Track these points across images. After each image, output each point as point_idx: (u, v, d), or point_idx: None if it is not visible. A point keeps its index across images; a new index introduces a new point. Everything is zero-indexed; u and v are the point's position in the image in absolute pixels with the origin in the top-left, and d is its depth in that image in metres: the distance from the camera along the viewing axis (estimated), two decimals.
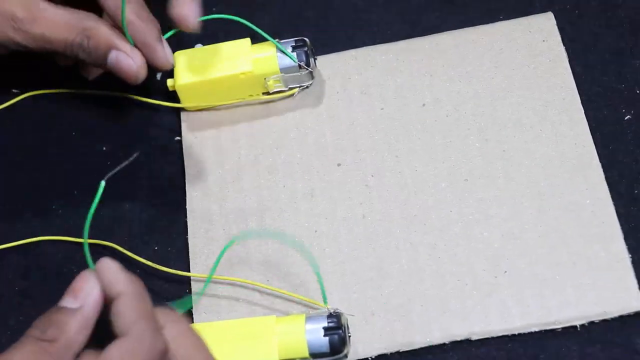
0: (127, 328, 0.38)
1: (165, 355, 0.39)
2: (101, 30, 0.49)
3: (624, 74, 0.52)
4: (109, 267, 0.40)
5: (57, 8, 0.49)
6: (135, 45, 0.49)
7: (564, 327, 0.46)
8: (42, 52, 0.50)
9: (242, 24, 0.52)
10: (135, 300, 0.39)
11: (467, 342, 0.47)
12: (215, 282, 0.50)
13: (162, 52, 0.50)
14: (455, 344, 0.47)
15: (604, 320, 0.46)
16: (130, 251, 0.51)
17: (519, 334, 0.46)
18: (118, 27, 0.49)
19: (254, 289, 0.49)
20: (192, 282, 0.50)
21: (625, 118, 0.51)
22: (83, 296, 0.40)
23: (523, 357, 0.46)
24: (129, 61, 0.49)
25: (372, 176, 0.51)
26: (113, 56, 0.49)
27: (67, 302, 0.40)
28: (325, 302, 0.47)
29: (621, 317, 0.46)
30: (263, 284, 0.49)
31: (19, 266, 0.52)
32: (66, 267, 0.52)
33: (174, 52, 0.53)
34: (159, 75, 0.57)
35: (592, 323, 0.46)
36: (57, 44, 0.49)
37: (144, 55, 0.50)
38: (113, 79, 0.51)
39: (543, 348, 0.46)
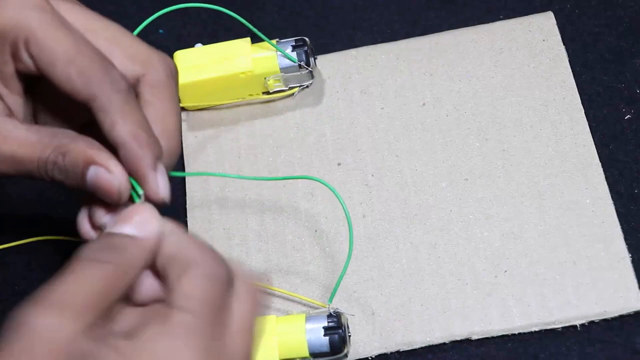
0: (192, 258, 0.36)
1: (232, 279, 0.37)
2: (78, 145, 0.41)
3: (624, 73, 0.52)
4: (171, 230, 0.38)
5: (29, 126, 0.42)
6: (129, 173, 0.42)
7: (564, 327, 0.46)
8: (11, 177, 0.43)
9: (243, 23, 0.52)
10: (190, 236, 0.37)
11: (467, 341, 0.47)
12: None
13: (154, 183, 0.41)
14: (456, 344, 0.47)
15: (604, 320, 0.46)
16: None
17: (519, 334, 0.46)
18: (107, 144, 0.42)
19: None
20: None
21: (625, 117, 0.51)
22: (144, 224, 0.38)
23: (523, 356, 0.46)
24: (108, 177, 0.41)
25: (372, 176, 0.51)
26: (92, 172, 0.41)
27: (123, 228, 0.38)
28: (330, 300, 0.47)
29: (621, 316, 0.46)
30: (263, 283, 0.49)
31: (19, 266, 0.52)
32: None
33: (174, 51, 0.53)
34: None
35: (592, 323, 0.46)
36: (29, 164, 0.42)
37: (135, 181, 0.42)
38: None
39: (543, 348, 0.46)
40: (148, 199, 0.41)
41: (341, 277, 0.47)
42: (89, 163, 0.41)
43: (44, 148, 0.41)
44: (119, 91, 0.41)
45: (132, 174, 0.41)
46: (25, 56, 0.41)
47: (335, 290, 0.47)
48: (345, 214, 0.46)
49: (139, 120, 0.42)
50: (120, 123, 0.41)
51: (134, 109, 0.42)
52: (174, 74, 0.43)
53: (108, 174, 0.41)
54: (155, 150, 0.42)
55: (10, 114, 0.43)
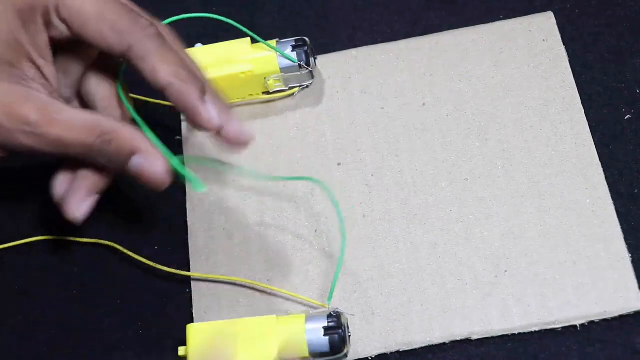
0: None
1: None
2: (124, 133, 0.44)
3: (624, 73, 0.52)
4: None
5: (76, 110, 0.44)
6: (175, 108, 0.44)
7: (564, 327, 0.46)
8: (54, 158, 0.45)
9: (242, 22, 0.52)
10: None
11: (467, 341, 0.47)
12: (216, 282, 0.50)
13: (206, 112, 0.44)
14: (455, 344, 0.47)
15: (604, 320, 0.46)
16: (130, 251, 0.51)
17: (519, 334, 0.46)
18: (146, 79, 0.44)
19: (254, 289, 0.49)
20: (192, 283, 0.50)
21: (625, 117, 0.51)
22: None
23: (523, 356, 0.46)
24: (154, 169, 0.44)
25: (372, 175, 0.51)
26: (135, 162, 0.44)
27: None
28: (328, 301, 0.47)
29: (621, 316, 0.46)
30: (264, 283, 0.49)
31: (19, 266, 0.52)
32: (66, 267, 0.52)
33: None
34: None
35: (592, 323, 0.46)
36: (74, 147, 0.43)
37: (187, 117, 0.44)
38: None
39: (543, 348, 0.46)
40: (205, 128, 0.44)
41: (336, 277, 0.47)
42: (134, 152, 0.43)
43: (91, 133, 0.43)
44: (152, 37, 0.44)
45: (184, 110, 0.44)
46: (57, 22, 0.43)
47: (332, 290, 0.47)
48: (339, 217, 0.47)
49: (177, 61, 0.44)
50: (160, 67, 0.43)
51: (169, 50, 0.44)
52: (159, 35, 0.45)
53: (152, 165, 0.44)
54: (198, 84, 0.44)
55: (51, 87, 0.44)
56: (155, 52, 0.43)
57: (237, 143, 0.45)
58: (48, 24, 0.44)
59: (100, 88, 0.47)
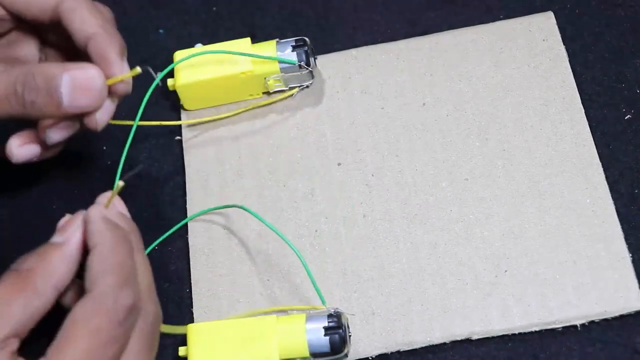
0: (91, 284, 0.38)
1: (137, 308, 0.39)
2: (44, 64, 0.44)
3: (624, 73, 0.52)
4: (91, 219, 0.40)
5: None
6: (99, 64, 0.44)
7: (564, 327, 0.46)
8: None
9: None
10: (106, 253, 0.39)
11: (468, 341, 0.47)
12: (216, 282, 0.50)
13: (120, 69, 0.44)
14: (456, 344, 0.47)
15: (604, 320, 0.46)
16: None
17: (519, 334, 0.46)
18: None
19: (254, 289, 0.49)
20: (192, 283, 0.50)
21: (626, 117, 0.51)
22: (68, 234, 0.40)
23: (523, 356, 0.46)
24: (89, 73, 0.42)
25: (373, 175, 0.51)
26: (67, 79, 0.42)
27: (54, 238, 0.41)
28: (323, 303, 0.47)
29: (621, 316, 0.46)
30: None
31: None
32: None
33: (174, 51, 0.53)
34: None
35: (592, 323, 0.46)
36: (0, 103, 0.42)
37: (101, 69, 0.43)
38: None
39: (543, 348, 0.46)
40: (118, 90, 0.44)
41: (313, 280, 0.46)
42: (62, 72, 0.42)
43: (11, 75, 0.42)
44: None
45: (102, 63, 0.43)
46: None
47: (319, 292, 0.47)
48: (281, 236, 0.48)
49: (104, 18, 0.45)
50: (89, 18, 0.44)
51: (98, 9, 0.45)
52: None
53: (85, 71, 0.42)
54: (121, 42, 0.45)
55: None
56: (86, 6, 0.44)
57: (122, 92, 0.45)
58: None
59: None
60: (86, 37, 0.44)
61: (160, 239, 0.51)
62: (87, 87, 0.42)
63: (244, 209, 0.49)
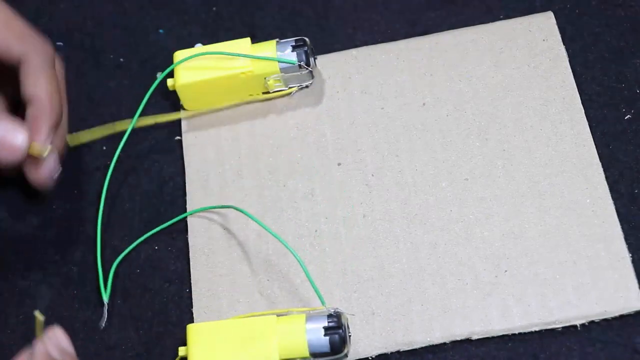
0: None
1: None
2: None
3: (624, 73, 0.52)
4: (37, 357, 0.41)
5: None
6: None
7: (564, 327, 0.46)
8: None
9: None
10: None
11: (468, 341, 0.47)
12: (216, 283, 0.50)
13: (44, 139, 0.47)
14: (456, 344, 0.47)
15: (604, 320, 0.46)
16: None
17: (519, 334, 0.46)
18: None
19: (254, 289, 0.49)
20: (192, 283, 0.50)
21: (626, 117, 0.51)
22: None
23: (523, 356, 0.46)
24: (14, 135, 0.45)
25: (373, 175, 0.51)
26: None
27: None
28: (323, 303, 0.47)
29: (621, 316, 0.46)
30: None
31: (18, 266, 0.52)
32: (66, 267, 0.52)
33: (174, 51, 0.53)
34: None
35: (592, 323, 0.46)
36: None
37: (28, 130, 0.46)
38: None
39: (543, 348, 0.46)
40: (30, 150, 0.46)
41: (311, 280, 0.46)
42: None
43: None
44: (47, 54, 0.47)
45: (33, 127, 0.46)
46: None
47: (318, 293, 0.47)
48: (277, 237, 0.48)
49: (56, 87, 0.47)
50: (42, 82, 0.47)
51: (54, 75, 0.47)
52: (52, 58, 0.48)
53: (13, 132, 0.45)
54: (59, 115, 0.47)
55: None
56: (45, 70, 0.47)
57: (41, 182, 0.49)
58: None
59: None
60: (31, 98, 0.47)
61: (151, 232, 0.51)
62: (10, 146, 0.45)
63: (239, 210, 0.49)
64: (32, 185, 0.49)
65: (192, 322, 0.49)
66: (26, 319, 0.51)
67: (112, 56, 0.58)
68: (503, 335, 0.47)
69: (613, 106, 0.52)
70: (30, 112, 0.47)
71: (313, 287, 0.46)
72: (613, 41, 0.53)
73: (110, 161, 0.54)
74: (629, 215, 0.48)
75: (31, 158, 0.47)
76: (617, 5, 0.54)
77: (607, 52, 0.53)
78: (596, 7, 0.54)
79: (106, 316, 0.49)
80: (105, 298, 0.50)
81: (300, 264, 0.47)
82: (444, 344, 0.47)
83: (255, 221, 0.48)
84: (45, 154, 0.46)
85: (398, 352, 0.47)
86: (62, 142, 0.50)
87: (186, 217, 0.52)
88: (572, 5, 0.55)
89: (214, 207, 0.51)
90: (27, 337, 0.51)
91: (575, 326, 0.46)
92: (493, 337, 0.47)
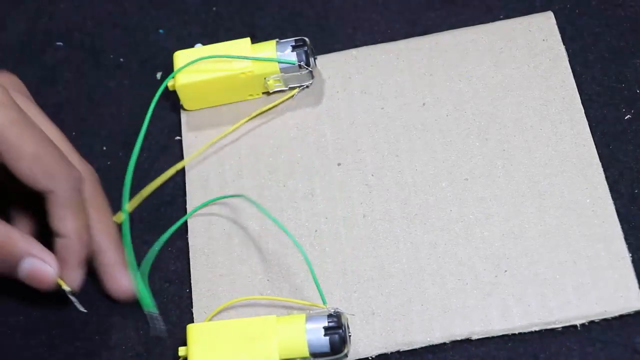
0: None
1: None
2: (13, 237, 0.45)
3: (624, 73, 0.52)
4: None
5: None
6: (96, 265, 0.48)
7: (564, 327, 0.46)
8: None
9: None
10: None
11: (468, 341, 0.47)
12: (216, 282, 0.50)
13: (78, 277, 0.47)
14: (456, 344, 0.47)
15: (604, 320, 0.46)
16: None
17: (519, 334, 0.46)
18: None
19: (254, 289, 0.49)
20: (192, 283, 0.50)
21: (626, 117, 0.51)
22: None
23: (523, 356, 0.46)
24: (45, 268, 0.46)
25: (373, 175, 0.51)
26: (28, 263, 0.45)
27: None
28: (324, 302, 0.47)
29: (621, 316, 0.46)
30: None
31: None
32: None
33: (174, 51, 0.53)
34: (158, 75, 0.57)
35: (592, 323, 0.46)
36: None
37: (56, 267, 0.46)
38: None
39: (543, 348, 0.46)
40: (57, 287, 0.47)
41: (315, 280, 0.46)
42: (26, 254, 0.45)
43: None
44: (75, 191, 0.46)
45: (61, 262, 0.46)
46: None
47: (320, 292, 0.47)
48: (279, 225, 0.48)
49: (84, 222, 0.47)
50: (70, 219, 0.46)
51: (82, 210, 0.47)
52: (79, 189, 0.47)
53: (45, 265, 0.45)
54: (87, 250, 0.47)
55: None
56: (73, 206, 0.46)
57: (112, 295, 0.49)
58: None
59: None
60: (58, 234, 0.46)
61: (166, 235, 0.51)
62: (40, 279, 0.46)
63: (249, 200, 0.49)
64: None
65: (192, 322, 0.49)
66: (26, 319, 0.51)
67: (112, 56, 0.58)
68: (503, 335, 0.46)
69: (613, 106, 0.52)
70: (57, 247, 0.46)
71: (316, 285, 0.46)
72: (613, 41, 0.53)
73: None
74: (629, 215, 0.48)
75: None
76: (617, 5, 0.54)
77: (607, 52, 0.53)
78: (596, 7, 0.54)
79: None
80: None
81: (306, 261, 0.46)
82: (444, 344, 0.47)
83: (264, 213, 0.48)
84: (67, 288, 0.47)
85: (398, 352, 0.47)
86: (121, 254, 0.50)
87: (187, 221, 0.52)
88: (572, 5, 0.55)
89: (226, 197, 0.51)
90: (27, 336, 0.51)
91: (575, 326, 0.46)
92: (493, 337, 0.47)
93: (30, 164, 0.44)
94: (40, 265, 0.45)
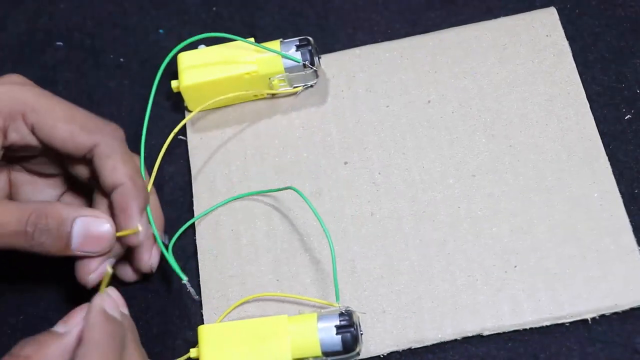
0: None
1: None
2: (57, 205, 0.44)
3: (624, 73, 0.53)
4: (91, 308, 0.41)
5: (6, 200, 0.45)
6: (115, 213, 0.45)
7: (564, 326, 0.46)
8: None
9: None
10: (93, 350, 0.40)
11: (468, 341, 0.46)
12: (225, 283, 0.49)
13: (136, 223, 0.45)
14: (456, 344, 0.46)
15: (605, 320, 0.46)
16: None
17: (519, 334, 0.46)
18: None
19: (264, 289, 0.49)
20: (201, 285, 0.50)
21: (626, 117, 0.52)
22: (70, 326, 0.41)
23: (523, 356, 0.46)
24: (100, 223, 0.44)
25: (380, 174, 0.51)
26: (79, 224, 0.44)
27: (57, 327, 0.41)
28: (337, 299, 0.46)
29: (621, 316, 0.46)
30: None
31: (18, 266, 0.51)
32: (66, 267, 0.51)
33: (177, 53, 0.52)
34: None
35: (593, 322, 0.46)
36: (11, 233, 0.43)
37: (116, 218, 0.45)
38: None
39: (543, 348, 0.46)
40: (128, 241, 0.45)
41: (335, 276, 0.46)
42: (76, 216, 0.43)
43: (23, 213, 0.43)
44: (118, 138, 0.45)
45: (121, 212, 0.44)
46: (21, 127, 0.44)
47: (337, 289, 0.46)
48: (321, 224, 0.47)
49: (135, 167, 0.46)
50: (120, 166, 0.45)
51: (131, 156, 0.46)
52: (123, 139, 0.47)
53: (97, 220, 0.44)
54: (145, 195, 0.46)
55: None
56: (119, 152, 0.45)
57: (141, 269, 0.48)
58: (4, 130, 0.44)
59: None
60: (113, 185, 0.45)
61: (177, 234, 0.50)
62: (97, 237, 0.44)
63: (297, 191, 0.48)
64: (138, 273, 0.49)
65: (202, 323, 0.48)
66: (26, 319, 0.50)
67: (112, 56, 0.58)
68: (503, 335, 0.46)
69: (613, 106, 0.52)
70: (115, 199, 0.45)
71: (334, 282, 0.46)
72: (613, 41, 0.54)
73: None
74: (630, 215, 0.48)
75: (128, 247, 0.46)
76: (617, 5, 0.55)
77: (607, 52, 0.53)
78: (596, 7, 0.55)
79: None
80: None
81: (332, 256, 0.46)
82: (444, 343, 0.46)
83: (311, 207, 0.48)
84: (138, 231, 0.45)
85: (398, 352, 0.47)
86: (161, 221, 0.49)
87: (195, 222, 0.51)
88: (572, 5, 0.55)
89: (273, 190, 0.50)
90: (27, 337, 0.50)
91: (575, 325, 0.46)
92: (493, 337, 0.46)
93: (67, 126, 0.44)
94: (92, 222, 0.44)
